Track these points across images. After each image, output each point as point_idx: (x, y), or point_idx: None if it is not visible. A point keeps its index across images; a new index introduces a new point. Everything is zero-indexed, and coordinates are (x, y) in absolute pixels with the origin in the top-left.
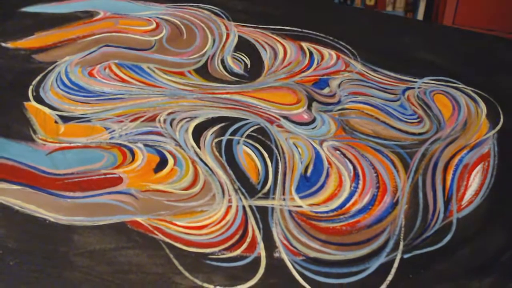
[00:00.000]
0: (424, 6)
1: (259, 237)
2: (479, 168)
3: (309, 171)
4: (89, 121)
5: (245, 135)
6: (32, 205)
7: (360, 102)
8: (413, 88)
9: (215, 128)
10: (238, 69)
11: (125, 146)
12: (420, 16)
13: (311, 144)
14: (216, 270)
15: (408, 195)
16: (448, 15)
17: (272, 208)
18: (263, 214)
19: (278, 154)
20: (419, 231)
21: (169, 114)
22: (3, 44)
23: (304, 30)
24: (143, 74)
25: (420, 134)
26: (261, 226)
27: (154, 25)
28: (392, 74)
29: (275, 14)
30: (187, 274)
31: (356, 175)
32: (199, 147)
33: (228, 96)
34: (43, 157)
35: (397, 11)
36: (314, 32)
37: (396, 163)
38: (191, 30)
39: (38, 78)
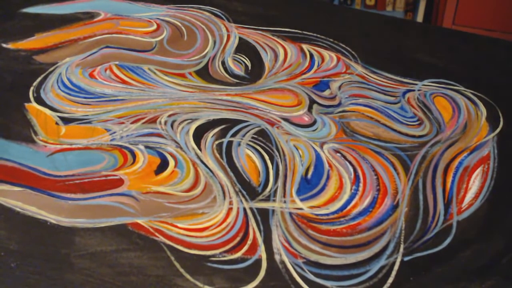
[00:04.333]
0: (424, 6)
1: (260, 240)
2: (479, 170)
3: (310, 173)
4: (90, 122)
5: (246, 137)
6: (33, 206)
7: (360, 105)
8: (414, 90)
9: (216, 130)
10: (238, 71)
11: (126, 147)
12: (420, 15)
13: (312, 146)
14: (217, 273)
15: (408, 197)
16: (448, 15)
17: (273, 211)
18: (264, 217)
19: (278, 156)
20: (419, 234)
21: (170, 116)
22: (4, 45)
23: (304, 32)
24: (143, 76)
25: (420, 136)
26: (262, 228)
27: (155, 27)
28: (392, 76)
29: (275, 16)
30: (188, 276)
31: (356, 177)
32: (200, 149)
33: (229, 98)
34: (43, 159)
35: (397, 11)
36: (315, 34)
37: (397, 165)
38: (192, 32)
39: (39, 79)
